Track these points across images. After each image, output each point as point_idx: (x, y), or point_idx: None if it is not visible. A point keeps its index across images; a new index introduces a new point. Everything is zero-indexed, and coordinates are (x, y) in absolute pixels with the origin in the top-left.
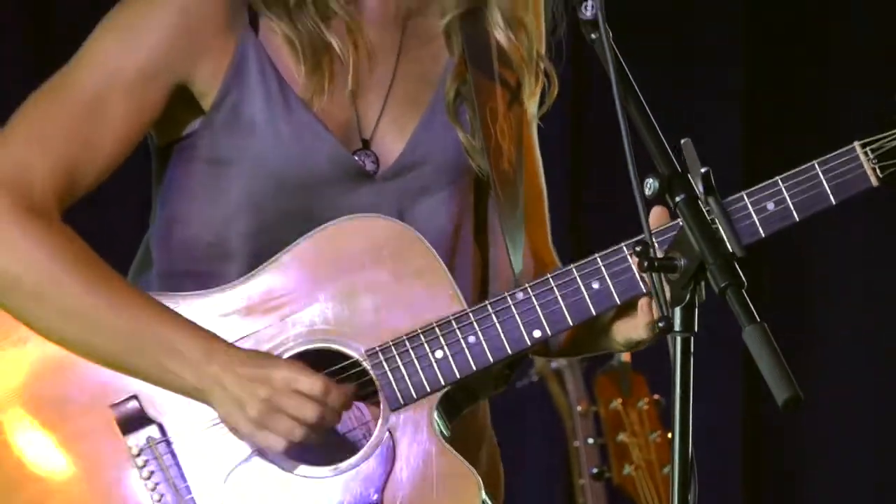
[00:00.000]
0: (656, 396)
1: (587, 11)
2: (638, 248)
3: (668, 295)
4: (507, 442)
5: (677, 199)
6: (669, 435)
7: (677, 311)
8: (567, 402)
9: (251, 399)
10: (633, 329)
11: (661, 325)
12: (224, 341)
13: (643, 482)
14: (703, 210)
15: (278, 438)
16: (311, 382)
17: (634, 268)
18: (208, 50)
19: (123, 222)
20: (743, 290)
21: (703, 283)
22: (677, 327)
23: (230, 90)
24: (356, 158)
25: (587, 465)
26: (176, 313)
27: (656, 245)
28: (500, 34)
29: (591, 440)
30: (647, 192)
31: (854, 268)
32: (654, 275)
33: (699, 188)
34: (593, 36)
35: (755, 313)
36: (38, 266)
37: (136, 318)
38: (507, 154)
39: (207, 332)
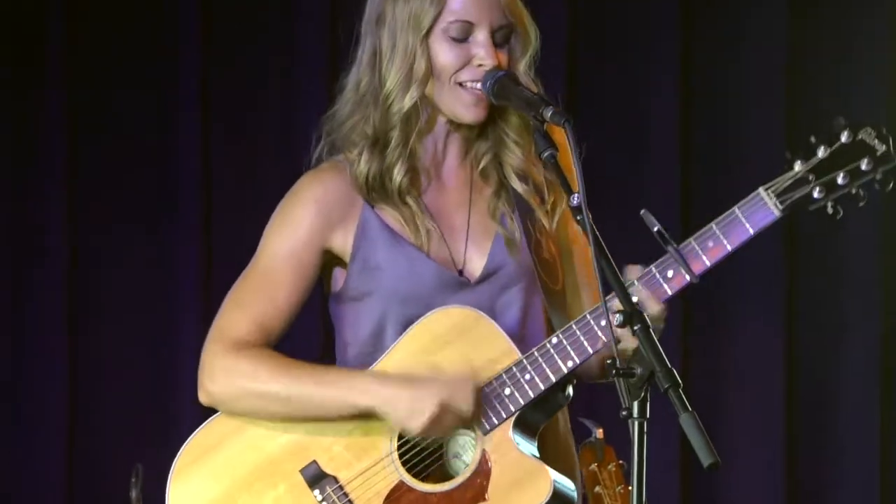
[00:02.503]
0: (621, 462)
1: (574, 200)
2: (608, 362)
3: (629, 392)
4: None
5: (636, 327)
6: (630, 488)
7: (635, 403)
8: None
9: (423, 408)
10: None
11: (623, 413)
12: (384, 375)
13: None
14: (654, 336)
15: (445, 428)
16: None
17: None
18: (338, 221)
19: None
20: (679, 389)
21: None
22: (635, 415)
23: (360, 247)
24: (453, 272)
25: None
26: (346, 371)
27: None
28: (515, 184)
29: None
30: (615, 322)
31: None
32: (618, 379)
33: (664, 245)
34: (578, 218)
35: (687, 404)
36: (256, 376)
37: (327, 384)
38: (545, 246)
39: (373, 373)
